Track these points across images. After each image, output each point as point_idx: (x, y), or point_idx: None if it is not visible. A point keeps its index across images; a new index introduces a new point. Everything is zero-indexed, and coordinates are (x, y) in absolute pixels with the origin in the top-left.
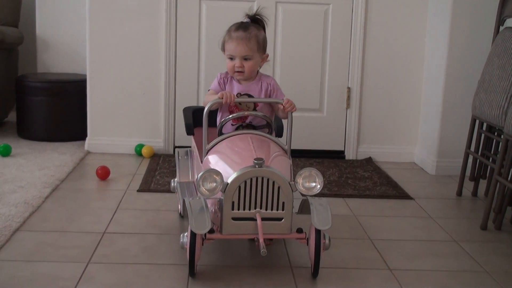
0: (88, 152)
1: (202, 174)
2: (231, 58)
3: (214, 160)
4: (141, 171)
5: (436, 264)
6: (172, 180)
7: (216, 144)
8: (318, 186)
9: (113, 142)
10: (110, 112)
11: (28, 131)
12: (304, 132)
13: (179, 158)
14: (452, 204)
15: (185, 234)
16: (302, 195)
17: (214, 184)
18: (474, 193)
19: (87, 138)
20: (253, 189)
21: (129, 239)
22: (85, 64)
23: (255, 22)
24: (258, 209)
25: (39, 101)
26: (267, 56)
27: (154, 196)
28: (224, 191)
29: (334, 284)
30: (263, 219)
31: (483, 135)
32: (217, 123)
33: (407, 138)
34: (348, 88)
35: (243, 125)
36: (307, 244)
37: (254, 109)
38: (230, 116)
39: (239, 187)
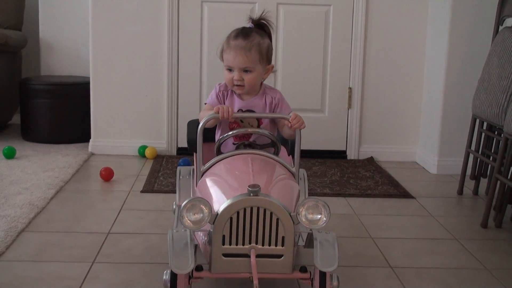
0: (92, 154)
1: (186, 204)
2: (230, 70)
3: (209, 184)
4: (144, 172)
5: (437, 261)
6: (174, 203)
7: (212, 165)
8: (324, 219)
9: (116, 144)
10: (113, 114)
11: (32, 133)
12: (306, 133)
13: (180, 177)
14: (453, 202)
15: (168, 271)
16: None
17: (200, 215)
18: (475, 191)
19: (90, 140)
20: (247, 221)
21: (133, 239)
22: (88, 66)
23: (260, 27)
24: (253, 244)
25: (42, 104)
26: (272, 67)
27: (158, 197)
28: (213, 223)
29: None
30: (259, 256)
31: (483, 134)
32: (216, 141)
33: (408, 137)
34: (350, 88)
35: (245, 143)
36: (312, 286)
37: (258, 126)
38: (230, 133)
39: (231, 218)
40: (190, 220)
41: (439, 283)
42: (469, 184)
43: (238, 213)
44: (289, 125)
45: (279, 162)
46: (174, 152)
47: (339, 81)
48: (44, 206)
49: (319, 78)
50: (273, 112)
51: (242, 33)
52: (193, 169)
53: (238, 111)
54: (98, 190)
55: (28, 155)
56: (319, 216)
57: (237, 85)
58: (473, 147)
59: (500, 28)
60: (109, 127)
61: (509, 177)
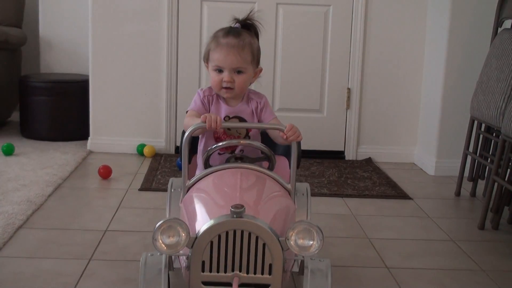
0: (90, 152)
1: (161, 225)
2: (219, 71)
3: (194, 200)
4: (142, 170)
5: (433, 263)
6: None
7: (199, 179)
8: (316, 245)
9: (115, 142)
10: (112, 112)
11: (31, 130)
12: (304, 133)
13: (172, 190)
14: (450, 204)
15: None
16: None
17: (176, 238)
18: (473, 193)
19: (89, 138)
20: (229, 245)
21: (130, 237)
22: (87, 64)
23: (246, 28)
24: (236, 271)
25: (42, 101)
26: (261, 70)
27: (155, 195)
28: (192, 247)
29: (332, 282)
30: (242, 285)
31: (481, 136)
32: (199, 153)
33: (406, 138)
34: (348, 89)
35: (236, 156)
36: None
37: (247, 134)
38: (220, 144)
39: (211, 242)
40: (164, 244)
41: (435, 284)
42: (467, 186)
43: (219, 236)
44: (284, 137)
45: (272, 178)
46: (173, 151)
47: (338, 81)
48: (42, 203)
49: (318, 79)
50: (257, 117)
51: (232, 31)
52: None
53: (224, 118)
54: (96, 187)
55: (26, 152)
56: (311, 242)
57: (226, 88)
58: (471, 149)
59: (499, 29)
60: (108, 125)
61: (506, 179)
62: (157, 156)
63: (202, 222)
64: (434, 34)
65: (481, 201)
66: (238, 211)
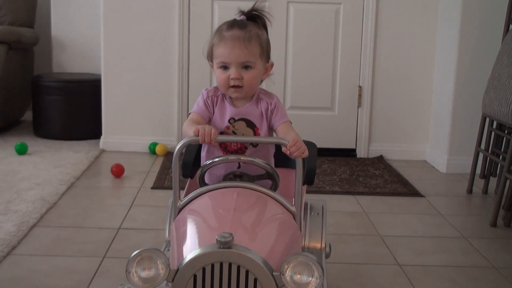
0: (103, 151)
1: (135, 256)
2: (224, 67)
3: (187, 222)
4: (154, 169)
5: (445, 260)
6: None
7: (192, 199)
8: (315, 282)
9: (127, 141)
10: (124, 111)
11: (44, 129)
12: (316, 131)
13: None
14: (462, 201)
15: None
16: None
17: (154, 271)
18: (485, 190)
19: (101, 137)
20: (215, 280)
21: (143, 235)
22: (99, 63)
23: (253, 20)
24: None
25: (54, 100)
26: (272, 65)
27: (168, 193)
28: (173, 281)
29: (344, 279)
30: None
31: (493, 133)
32: (202, 159)
33: (418, 136)
34: (359, 86)
35: (235, 173)
36: None
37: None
38: (217, 159)
39: (195, 276)
40: (139, 278)
41: (447, 281)
42: (479, 183)
43: (204, 269)
44: (288, 152)
45: (275, 198)
46: (184, 149)
47: (349, 79)
48: (55, 202)
49: (329, 77)
50: (268, 119)
51: (237, 23)
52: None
53: (229, 120)
54: (109, 186)
55: (40, 151)
56: (310, 279)
57: (234, 86)
58: (482, 146)
59: (511, 27)
60: (120, 124)
61: None
62: (169, 155)
63: (189, 250)
64: (445, 31)
65: (493, 199)
66: (225, 240)
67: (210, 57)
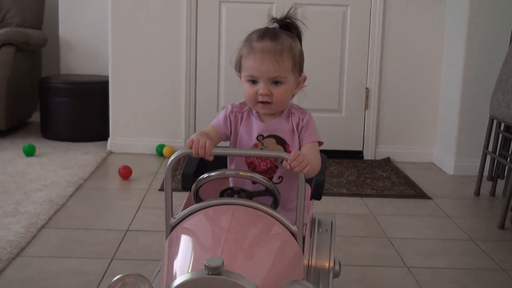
0: (110, 152)
1: (116, 281)
2: (253, 81)
3: (179, 242)
4: (162, 170)
5: (453, 262)
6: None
7: (187, 216)
8: None
9: (134, 142)
10: (131, 113)
11: (52, 131)
12: (323, 133)
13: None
14: (470, 203)
15: None
16: None
17: None
18: (492, 192)
19: (109, 138)
20: None
21: (151, 237)
22: (107, 65)
23: (286, 28)
24: None
25: (62, 102)
26: (305, 79)
27: (175, 195)
28: None
29: (352, 281)
30: None
31: (501, 135)
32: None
33: (425, 138)
34: (367, 88)
35: (233, 189)
36: None
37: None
38: (214, 174)
39: None
40: None
41: (455, 283)
42: (486, 185)
43: None
44: (288, 167)
45: (275, 217)
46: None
47: (356, 81)
48: (63, 203)
49: (336, 78)
50: (299, 136)
51: (269, 33)
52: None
53: (258, 137)
54: (116, 188)
55: (47, 153)
56: None
57: (262, 102)
58: (490, 148)
59: None
60: (128, 126)
61: None
62: None
63: (178, 273)
64: (452, 33)
65: (501, 201)
66: (214, 266)
67: (239, 67)
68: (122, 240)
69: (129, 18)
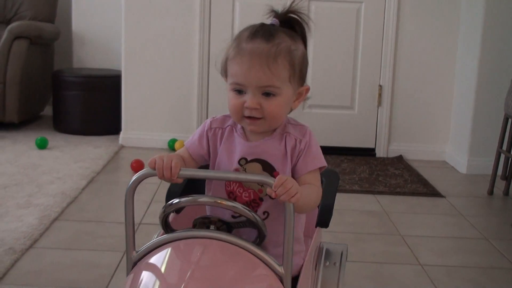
0: (122, 146)
1: None
2: (239, 91)
3: (138, 282)
4: None
5: (466, 260)
6: None
7: (152, 250)
8: None
9: (146, 137)
10: (144, 107)
11: (64, 124)
12: (335, 129)
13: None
14: (483, 202)
15: None
16: None
17: None
18: (506, 192)
19: (121, 132)
20: None
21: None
22: (120, 59)
23: (289, 25)
24: None
25: (74, 96)
26: (307, 90)
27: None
28: None
29: (365, 277)
30: None
31: None
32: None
33: (438, 136)
34: (380, 85)
35: (210, 219)
36: None
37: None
38: (184, 199)
39: None
40: None
41: (469, 282)
42: (500, 184)
43: None
44: (273, 194)
45: (256, 256)
46: None
47: (369, 78)
48: (76, 196)
49: (349, 75)
50: (292, 162)
51: (263, 31)
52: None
53: (240, 160)
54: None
55: (60, 146)
56: None
57: (249, 117)
58: (504, 147)
59: None
60: (140, 120)
61: None
62: None
63: None
64: (467, 30)
65: None
66: None
67: (224, 72)
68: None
69: (142, 12)
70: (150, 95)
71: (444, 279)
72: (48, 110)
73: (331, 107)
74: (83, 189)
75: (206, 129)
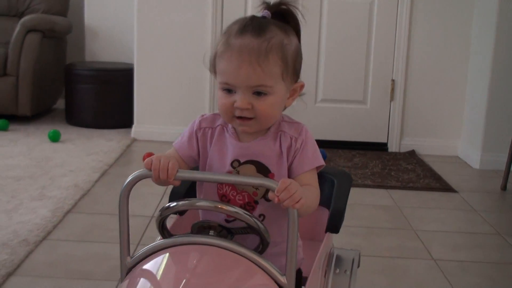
0: (134, 139)
1: None
2: (228, 90)
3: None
4: None
5: (480, 255)
6: None
7: (147, 256)
8: None
9: (158, 130)
10: (156, 100)
11: (76, 118)
12: (347, 124)
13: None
14: (496, 198)
15: None
16: None
17: None
18: None
19: (133, 126)
20: None
21: None
22: (132, 53)
23: (281, 18)
24: None
25: (87, 89)
26: (302, 86)
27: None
28: None
29: (377, 272)
30: None
31: None
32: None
33: (451, 131)
34: (392, 80)
35: (210, 224)
36: None
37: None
38: (181, 203)
39: None
40: None
41: (483, 277)
42: None
43: None
44: (276, 199)
45: (257, 264)
46: None
47: (382, 73)
48: (89, 189)
49: (362, 70)
50: (289, 162)
51: (253, 25)
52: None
53: (233, 162)
54: None
55: (72, 139)
56: None
57: (240, 118)
58: None
59: None
60: (152, 114)
61: None
62: None
63: None
64: (480, 25)
65: None
66: None
67: (213, 68)
68: (147, 226)
69: (154, 6)
70: (162, 89)
71: (458, 274)
72: (60, 103)
73: (343, 101)
74: (95, 181)
75: (195, 129)
